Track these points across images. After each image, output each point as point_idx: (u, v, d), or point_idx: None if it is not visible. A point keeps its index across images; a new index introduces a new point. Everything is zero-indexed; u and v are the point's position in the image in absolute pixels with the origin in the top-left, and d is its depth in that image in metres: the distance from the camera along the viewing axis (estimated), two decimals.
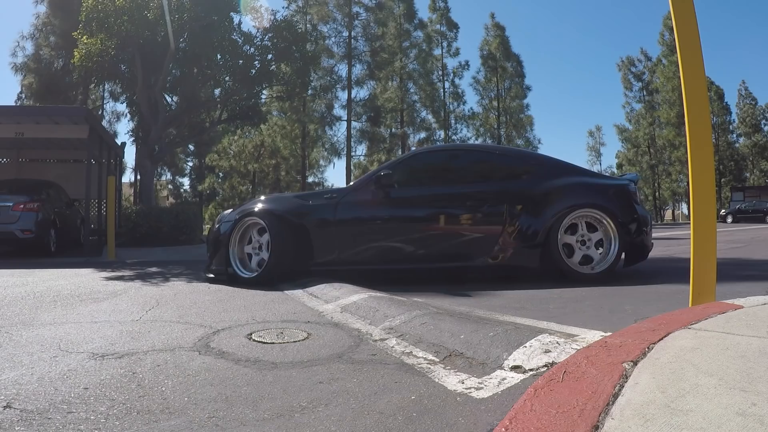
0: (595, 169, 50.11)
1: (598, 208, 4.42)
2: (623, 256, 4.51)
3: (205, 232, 13.69)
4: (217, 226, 4.91)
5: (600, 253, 4.43)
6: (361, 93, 29.63)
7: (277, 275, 4.45)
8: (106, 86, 26.85)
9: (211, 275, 4.85)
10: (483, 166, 4.92)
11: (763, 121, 44.04)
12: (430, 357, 2.14)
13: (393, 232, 4.60)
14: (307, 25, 27.39)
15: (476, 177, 4.81)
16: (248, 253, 4.70)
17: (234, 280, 4.58)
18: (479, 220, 4.57)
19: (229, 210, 5.11)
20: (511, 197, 4.55)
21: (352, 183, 5.11)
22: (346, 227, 4.57)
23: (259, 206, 4.69)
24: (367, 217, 4.65)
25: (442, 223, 4.59)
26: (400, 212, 4.64)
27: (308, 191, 6.12)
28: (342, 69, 29.20)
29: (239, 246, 4.69)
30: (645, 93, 41.36)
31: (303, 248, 4.51)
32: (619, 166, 45.81)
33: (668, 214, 45.21)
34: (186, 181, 36.74)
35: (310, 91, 23.31)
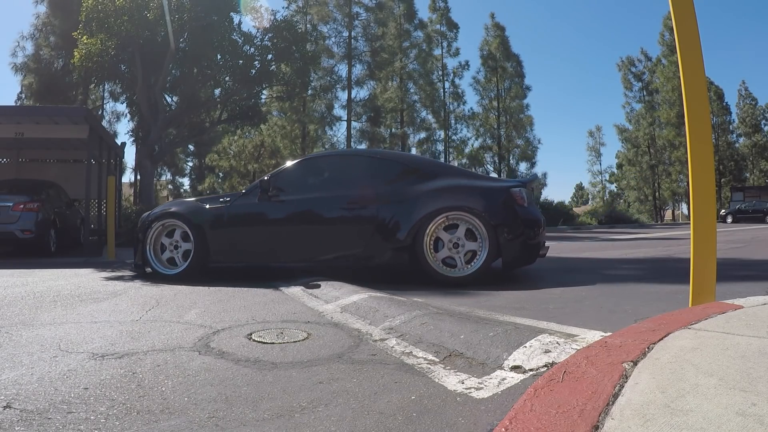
0: (595, 168, 50.24)
1: (467, 211, 4.45)
2: (501, 259, 4.46)
3: None
4: (138, 226, 5.34)
5: (472, 256, 4.43)
6: (361, 93, 29.56)
7: (198, 271, 4.92)
8: (106, 86, 26.78)
9: (133, 270, 5.31)
10: (362, 170, 5.13)
11: (763, 121, 44.01)
12: (430, 357, 2.14)
13: (274, 234, 4.94)
14: (307, 25, 27.36)
15: (354, 181, 4.99)
16: (167, 254, 5.09)
17: (154, 276, 5.00)
18: (352, 222, 4.77)
19: (148, 212, 5.53)
20: (383, 200, 4.71)
21: (244, 189, 5.57)
22: (235, 228, 4.96)
23: (174, 209, 5.16)
24: (251, 220, 5.00)
25: (317, 225, 4.91)
26: (280, 215, 4.97)
27: (208, 195, 6.57)
28: (342, 69, 29.15)
29: (155, 245, 5.10)
30: (645, 93, 41.28)
31: (205, 247, 4.93)
32: (619, 166, 45.77)
33: (668, 214, 45.16)
34: (186, 181, 36.72)
35: (310, 91, 23.32)
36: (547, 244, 5.04)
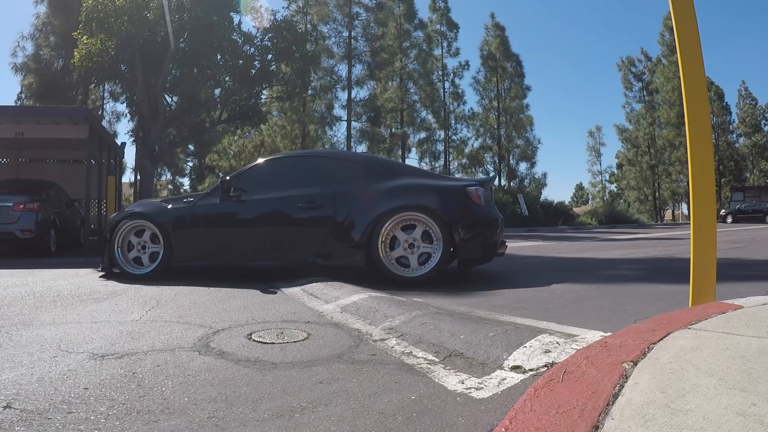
0: (595, 168, 50.21)
1: (421, 210, 4.47)
2: (457, 258, 4.49)
3: None
4: (106, 227, 5.37)
5: (428, 257, 4.44)
6: (361, 93, 29.51)
7: (166, 271, 4.93)
8: (106, 86, 26.73)
9: (101, 271, 5.28)
10: (322, 171, 5.16)
11: (763, 121, 43.96)
12: (430, 357, 2.14)
13: (235, 233, 4.99)
14: (307, 26, 27.33)
15: (314, 181, 5.02)
16: (134, 254, 5.10)
17: (122, 277, 5.00)
18: (310, 221, 4.79)
19: (115, 213, 5.54)
20: (339, 199, 4.74)
21: (207, 189, 5.51)
22: (197, 228, 4.98)
23: (140, 209, 5.21)
24: (212, 220, 5.01)
25: (276, 225, 4.94)
26: (241, 215, 5.00)
27: (173, 196, 6.58)
28: (342, 69, 29.11)
29: (123, 245, 5.11)
30: (645, 93, 41.23)
31: (169, 247, 4.96)
32: (619, 166, 45.76)
33: (668, 214, 45.14)
34: (186, 181, 36.71)
35: (310, 91, 23.30)
36: (506, 242, 5.08)
